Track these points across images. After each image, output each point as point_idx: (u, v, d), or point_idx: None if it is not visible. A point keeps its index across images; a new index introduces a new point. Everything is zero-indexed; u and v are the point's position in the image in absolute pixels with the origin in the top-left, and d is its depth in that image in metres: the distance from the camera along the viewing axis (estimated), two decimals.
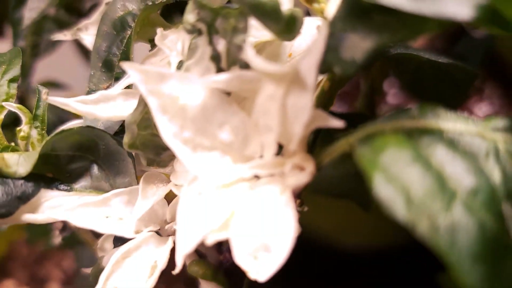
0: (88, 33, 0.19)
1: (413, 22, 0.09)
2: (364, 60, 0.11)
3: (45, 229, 0.30)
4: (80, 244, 0.31)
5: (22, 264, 0.51)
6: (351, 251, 0.39)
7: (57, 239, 0.22)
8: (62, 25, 0.22)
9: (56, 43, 0.26)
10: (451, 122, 0.11)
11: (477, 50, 0.49)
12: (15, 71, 0.17)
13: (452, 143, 0.10)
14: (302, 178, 0.12)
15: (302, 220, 0.25)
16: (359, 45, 0.10)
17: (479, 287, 0.09)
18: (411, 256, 0.35)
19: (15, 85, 0.17)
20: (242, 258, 0.12)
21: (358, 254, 0.38)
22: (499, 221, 0.10)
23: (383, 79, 0.26)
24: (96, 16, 0.20)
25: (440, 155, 0.10)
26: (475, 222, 0.09)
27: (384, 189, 0.09)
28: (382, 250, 0.40)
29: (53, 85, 0.30)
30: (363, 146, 0.11)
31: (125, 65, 0.12)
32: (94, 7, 0.23)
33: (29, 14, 0.22)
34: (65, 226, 0.21)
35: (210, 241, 0.12)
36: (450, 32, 0.42)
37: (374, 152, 0.10)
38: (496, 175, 0.10)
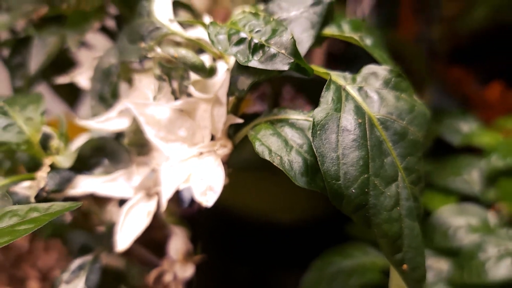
0: (82, 77, 0.29)
1: (265, 72, 0.21)
2: (248, 89, 0.22)
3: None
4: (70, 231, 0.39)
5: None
6: (274, 223, 0.52)
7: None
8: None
9: None
10: (292, 115, 0.22)
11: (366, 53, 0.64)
12: (43, 107, 0.27)
13: (293, 124, 0.22)
14: (225, 150, 0.23)
15: (236, 201, 0.39)
16: (244, 82, 0.22)
17: (304, 186, 0.20)
18: (314, 228, 0.49)
19: (44, 115, 0.26)
20: (198, 196, 0.22)
21: (279, 224, 0.51)
22: (313, 157, 0.21)
23: (282, 87, 0.38)
24: (86, 67, 0.30)
25: (286, 130, 0.21)
26: (302, 158, 0.21)
27: (259, 148, 0.21)
28: (293, 223, 0.53)
29: None
30: (251, 130, 0.22)
31: (126, 101, 0.23)
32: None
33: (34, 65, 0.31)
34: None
35: (181, 188, 0.22)
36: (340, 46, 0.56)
37: (255, 132, 0.21)
38: (311, 138, 0.21)
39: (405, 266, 0.20)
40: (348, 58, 0.61)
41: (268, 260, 0.55)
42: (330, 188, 0.19)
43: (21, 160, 0.29)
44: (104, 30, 0.35)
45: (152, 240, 0.38)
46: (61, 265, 0.61)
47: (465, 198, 0.47)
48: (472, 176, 0.48)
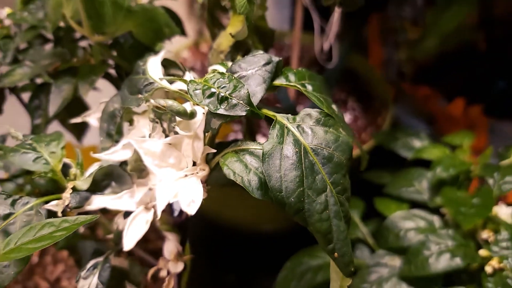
0: (92, 117, 0.37)
1: (230, 116, 0.29)
2: (219, 127, 0.30)
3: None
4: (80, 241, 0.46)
5: (14, 281, 0.67)
6: (254, 233, 0.61)
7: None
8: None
9: None
10: (251, 145, 0.30)
11: (335, 74, 0.73)
12: (63, 143, 0.34)
13: (251, 152, 0.30)
14: (204, 173, 0.31)
15: (217, 211, 0.49)
16: (216, 123, 0.30)
17: (259, 197, 0.28)
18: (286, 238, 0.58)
19: (64, 150, 0.34)
20: (184, 207, 0.30)
21: (258, 235, 0.60)
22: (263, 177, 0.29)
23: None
24: (94, 109, 0.38)
25: (246, 157, 0.29)
26: (257, 177, 0.29)
27: (226, 171, 0.28)
28: (270, 233, 0.62)
29: None
30: (222, 158, 0.30)
31: (128, 138, 0.30)
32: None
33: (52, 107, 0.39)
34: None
35: (172, 201, 0.30)
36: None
37: (224, 159, 0.29)
38: (262, 164, 0.29)
39: (336, 254, 0.28)
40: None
41: (244, 261, 0.64)
42: (275, 198, 0.27)
43: (39, 184, 0.37)
44: (106, 76, 0.43)
45: (149, 247, 0.46)
46: (67, 276, 0.69)
47: (416, 204, 0.55)
48: (422, 186, 0.56)
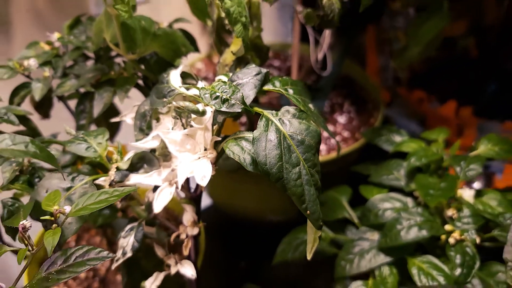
0: (128, 117, 0.48)
1: (230, 112, 0.39)
2: (223, 121, 0.41)
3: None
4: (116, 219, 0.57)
5: None
6: (262, 224, 0.72)
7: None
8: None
9: None
10: (246, 134, 0.41)
11: (330, 81, 0.84)
12: (107, 136, 0.46)
13: (246, 139, 0.40)
14: (212, 156, 0.42)
15: (233, 205, 0.64)
16: (220, 118, 0.41)
17: (251, 170, 0.39)
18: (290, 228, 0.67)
19: (107, 141, 0.45)
20: (198, 180, 0.41)
21: (265, 225, 0.70)
22: (254, 156, 0.40)
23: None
24: (128, 111, 0.49)
25: (242, 142, 0.40)
26: (250, 156, 0.39)
27: (228, 151, 0.39)
28: (275, 223, 0.73)
29: None
30: (225, 143, 0.41)
31: (156, 131, 0.42)
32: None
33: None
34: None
35: (189, 176, 0.41)
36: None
37: (226, 144, 0.40)
38: (253, 145, 0.40)
39: (308, 212, 0.39)
40: (316, 88, 0.81)
41: (253, 250, 0.74)
42: (262, 170, 0.37)
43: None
44: (136, 85, 0.55)
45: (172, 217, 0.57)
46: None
47: (394, 189, 0.65)
48: (400, 174, 0.67)
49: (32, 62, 0.55)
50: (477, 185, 1.03)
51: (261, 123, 0.38)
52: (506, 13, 1.34)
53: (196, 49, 0.58)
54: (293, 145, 0.38)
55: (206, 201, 1.04)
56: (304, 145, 0.38)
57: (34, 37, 0.80)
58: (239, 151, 0.39)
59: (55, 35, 0.58)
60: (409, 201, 0.63)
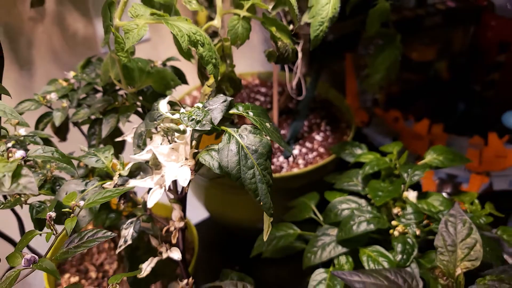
0: (128, 137, 0.62)
1: (202, 130, 0.53)
2: (199, 137, 0.54)
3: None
4: (120, 221, 0.70)
5: (70, 264, 0.91)
6: (251, 231, 0.84)
7: (120, 206, 0.63)
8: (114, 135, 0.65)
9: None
10: (215, 146, 0.54)
11: (305, 104, 0.97)
12: (112, 151, 0.59)
13: (215, 149, 0.54)
14: (191, 163, 0.55)
15: (227, 216, 0.81)
16: (196, 134, 0.54)
17: (218, 173, 0.52)
18: None
19: (112, 155, 0.59)
20: (181, 182, 0.54)
21: (254, 232, 0.83)
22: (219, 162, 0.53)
23: None
24: (128, 132, 0.63)
25: (212, 152, 0.53)
26: (217, 162, 0.53)
27: (201, 159, 0.53)
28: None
29: None
30: (199, 154, 0.54)
31: (149, 146, 0.55)
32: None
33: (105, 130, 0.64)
34: (125, 196, 0.63)
35: (174, 179, 0.54)
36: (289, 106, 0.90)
37: (200, 154, 0.53)
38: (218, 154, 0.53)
39: (261, 203, 0.52)
40: (293, 111, 0.95)
41: (245, 254, 0.86)
42: (225, 171, 0.50)
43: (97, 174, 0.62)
44: (135, 112, 0.68)
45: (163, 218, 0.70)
46: (108, 262, 0.94)
47: (353, 193, 0.78)
48: (358, 180, 0.79)
49: (53, 96, 0.69)
50: (445, 194, 1.15)
51: (224, 137, 0.52)
52: (471, 40, 1.48)
53: (184, 82, 0.72)
54: (249, 153, 0.51)
55: (203, 214, 1.17)
56: (258, 153, 0.52)
57: (52, 74, 0.95)
58: (210, 159, 0.52)
59: (71, 74, 0.72)
60: (363, 202, 0.75)
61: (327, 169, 0.94)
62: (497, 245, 0.71)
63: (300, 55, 0.90)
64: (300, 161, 0.97)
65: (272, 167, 0.93)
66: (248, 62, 1.24)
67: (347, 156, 0.85)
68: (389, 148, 0.84)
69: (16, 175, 0.37)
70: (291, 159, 0.97)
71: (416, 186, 0.78)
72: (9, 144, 0.55)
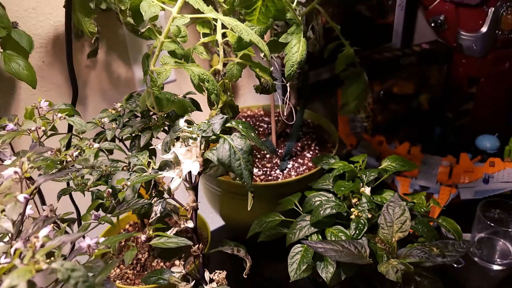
0: (158, 145, 0.90)
1: (207, 137, 0.80)
2: (206, 142, 0.81)
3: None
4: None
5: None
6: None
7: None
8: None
9: None
10: (215, 147, 0.81)
11: (296, 128, 1.26)
12: (147, 154, 0.87)
13: (215, 149, 0.81)
14: (201, 160, 0.82)
15: (237, 220, 1.15)
16: (203, 140, 0.81)
17: (216, 163, 0.79)
18: None
19: (147, 157, 0.87)
20: (194, 172, 0.81)
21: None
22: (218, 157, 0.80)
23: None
24: (159, 141, 0.91)
25: (213, 151, 0.80)
26: (216, 157, 0.80)
27: (206, 156, 0.80)
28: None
29: None
30: (205, 152, 0.81)
31: (173, 149, 0.83)
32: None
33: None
34: (156, 185, 0.90)
35: (189, 170, 0.81)
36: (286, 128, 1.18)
37: (205, 153, 0.80)
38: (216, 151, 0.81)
39: (245, 183, 0.78)
40: (288, 133, 1.22)
41: (251, 252, 1.12)
42: (220, 163, 0.77)
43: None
44: (163, 130, 0.97)
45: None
46: (141, 252, 1.20)
47: (325, 190, 1.03)
48: (330, 181, 1.05)
49: (105, 120, 0.98)
50: None
51: (221, 140, 0.79)
52: (446, 76, 1.76)
53: (199, 109, 1.00)
54: (236, 150, 0.78)
55: (219, 222, 1.43)
56: (243, 150, 0.79)
57: (102, 106, 1.26)
58: (211, 155, 0.80)
59: (118, 104, 1.02)
60: (331, 196, 1.01)
61: (313, 178, 1.19)
62: (433, 228, 0.95)
63: (289, 89, 1.18)
64: (293, 173, 1.23)
65: (270, 177, 1.20)
66: (256, 97, 1.53)
67: (324, 164, 1.10)
68: (356, 159, 1.09)
69: (96, 156, 0.65)
70: (286, 171, 1.23)
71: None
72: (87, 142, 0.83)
